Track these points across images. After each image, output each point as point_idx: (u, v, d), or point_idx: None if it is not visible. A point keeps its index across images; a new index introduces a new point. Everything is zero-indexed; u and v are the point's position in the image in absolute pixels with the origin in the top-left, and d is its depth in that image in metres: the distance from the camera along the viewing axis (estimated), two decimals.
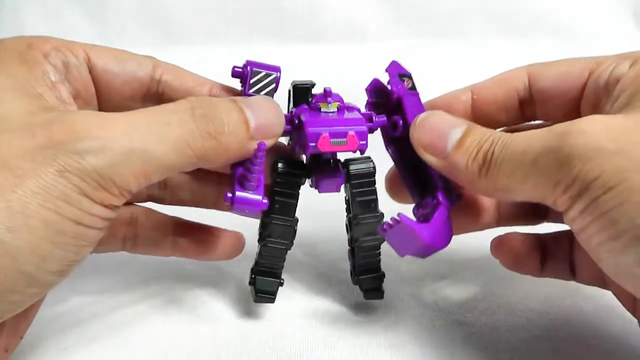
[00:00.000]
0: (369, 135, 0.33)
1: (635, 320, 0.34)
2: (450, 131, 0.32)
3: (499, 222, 0.38)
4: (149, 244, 0.38)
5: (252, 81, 0.33)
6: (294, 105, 0.35)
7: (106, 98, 0.34)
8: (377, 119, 0.35)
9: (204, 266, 0.42)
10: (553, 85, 0.34)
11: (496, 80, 0.37)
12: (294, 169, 0.34)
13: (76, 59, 0.32)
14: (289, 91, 0.35)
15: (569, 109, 0.34)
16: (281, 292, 0.40)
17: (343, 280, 0.41)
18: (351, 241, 0.37)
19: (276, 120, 0.32)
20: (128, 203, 0.35)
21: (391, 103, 0.35)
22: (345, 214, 0.37)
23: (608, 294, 0.35)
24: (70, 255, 0.27)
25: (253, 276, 0.36)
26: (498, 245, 0.37)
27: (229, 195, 0.31)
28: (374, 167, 0.35)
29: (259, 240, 0.36)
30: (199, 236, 0.38)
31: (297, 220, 0.35)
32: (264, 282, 0.36)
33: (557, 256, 0.36)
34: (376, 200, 0.35)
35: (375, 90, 0.36)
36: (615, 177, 0.25)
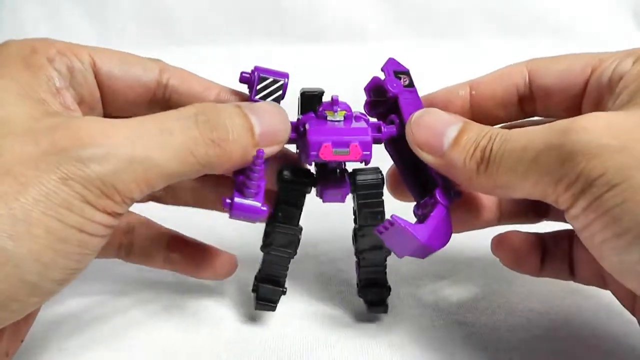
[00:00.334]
0: (378, 145, 0.33)
1: (634, 320, 0.34)
2: (446, 129, 0.32)
3: (500, 220, 0.38)
4: (142, 255, 0.38)
5: (259, 87, 0.33)
6: (302, 113, 0.35)
7: (111, 102, 0.33)
8: (385, 129, 0.34)
9: None
10: (555, 81, 0.34)
11: (495, 76, 0.36)
12: (300, 178, 0.34)
13: (81, 64, 0.32)
14: (298, 98, 0.35)
15: (570, 105, 0.34)
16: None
17: (343, 281, 0.41)
18: (357, 253, 0.36)
19: (281, 127, 0.32)
20: None
21: (389, 102, 0.35)
22: (353, 224, 0.36)
23: (608, 294, 0.35)
24: (73, 264, 0.27)
25: (256, 283, 0.36)
26: (499, 243, 0.37)
27: (228, 201, 0.31)
28: (382, 179, 0.34)
29: (262, 248, 0.35)
30: (192, 253, 0.38)
31: (301, 229, 0.35)
32: (266, 290, 0.36)
33: (556, 255, 0.36)
34: (383, 212, 0.35)
35: (374, 88, 0.36)
36: (619, 175, 0.25)
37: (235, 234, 0.43)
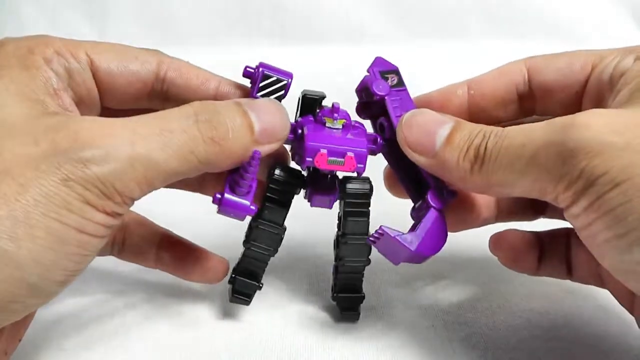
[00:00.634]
0: (374, 157, 0.33)
1: (633, 320, 0.34)
2: (437, 128, 0.31)
3: (497, 218, 0.38)
4: (134, 253, 0.38)
5: (261, 84, 0.33)
6: (301, 115, 0.35)
7: (110, 99, 0.33)
8: (381, 141, 0.35)
9: None
10: (554, 79, 0.34)
11: (494, 74, 0.36)
12: (290, 178, 0.34)
13: (79, 64, 0.31)
14: (299, 99, 0.35)
15: (570, 103, 0.33)
16: (281, 293, 0.40)
17: None
18: (337, 258, 0.37)
19: (281, 125, 0.32)
20: None
21: (379, 103, 0.35)
22: (336, 229, 0.37)
23: (607, 294, 0.35)
24: (73, 265, 0.27)
25: (233, 275, 0.36)
26: (497, 241, 0.37)
27: (218, 196, 0.31)
28: (371, 189, 0.34)
29: (244, 243, 0.35)
30: (183, 255, 0.38)
31: (285, 228, 0.35)
32: (243, 284, 0.36)
33: (553, 254, 0.36)
34: (367, 222, 0.35)
35: (364, 90, 0.36)
36: (623, 173, 0.25)
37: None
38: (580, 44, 0.68)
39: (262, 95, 0.33)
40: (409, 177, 0.36)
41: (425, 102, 0.36)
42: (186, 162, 0.28)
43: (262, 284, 0.37)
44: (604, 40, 0.71)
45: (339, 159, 0.32)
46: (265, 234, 0.35)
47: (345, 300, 0.37)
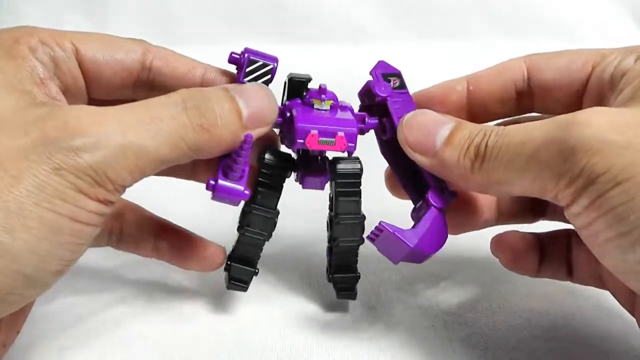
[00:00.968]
0: (363, 136, 0.33)
1: (634, 320, 0.34)
2: (438, 128, 0.31)
3: (497, 220, 0.38)
4: (131, 242, 0.38)
5: (247, 70, 0.33)
6: (288, 98, 0.35)
7: (96, 88, 0.33)
8: (370, 120, 0.35)
9: None
10: (555, 77, 0.34)
11: (493, 71, 0.36)
12: (281, 162, 0.34)
13: (64, 53, 0.31)
14: (285, 82, 0.35)
15: (570, 102, 0.33)
16: (281, 293, 0.40)
17: None
18: (330, 239, 0.37)
19: (269, 109, 0.32)
20: None
21: (381, 106, 0.35)
22: (328, 210, 0.37)
23: (607, 294, 0.35)
24: (68, 254, 0.27)
25: (229, 262, 0.36)
26: (498, 243, 0.37)
27: (212, 182, 0.31)
28: (361, 169, 0.35)
29: (238, 229, 0.36)
30: (180, 243, 0.38)
31: (279, 212, 0.35)
32: (239, 270, 0.36)
33: (554, 256, 0.36)
34: (359, 201, 0.35)
35: (367, 93, 0.36)
36: (624, 172, 0.25)
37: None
38: (581, 43, 0.69)
39: (249, 81, 0.33)
40: (409, 178, 0.36)
41: (425, 97, 0.36)
42: (176, 148, 0.28)
43: (258, 270, 0.37)
44: (604, 40, 0.71)
45: (330, 139, 0.32)
46: (259, 219, 0.35)
47: (341, 280, 0.37)
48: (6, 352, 0.31)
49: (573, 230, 0.36)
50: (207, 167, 0.36)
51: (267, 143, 0.34)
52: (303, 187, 0.35)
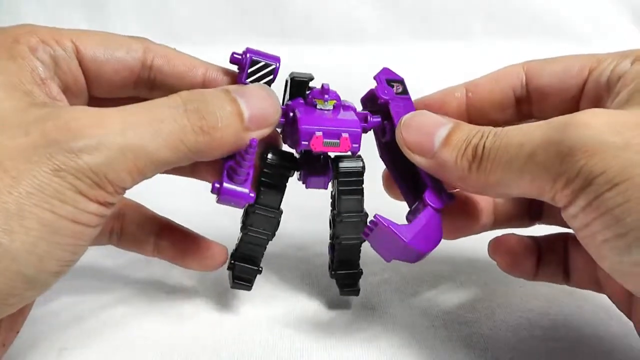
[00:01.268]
0: (364, 135, 0.33)
1: None
2: (436, 129, 0.32)
3: (494, 225, 0.38)
4: (132, 241, 0.38)
5: (249, 70, 0.33)
6: (290, 98, 0.35)
7: (97, 87, 0.33)
8: (372, 118, 0.35)
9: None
10: (552, 82, 0.34)
11: (492, 77, 0.36)
12: (284, 161, 0.34)
13: (64, 52, 0.31)
14: (286, 81, 0.35)
15: (567, 107, 0.33)
16: (281, 293, 0.40)
17: None
18: (333, 237, 0.37)
19: (271, 110, 0.32)
20: None
21: (383, 111, 0.35)
22: (330, 208, 0.37)
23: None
24: (68, 255, 0.27)
25: (233, 261, 0.37)
26: (496, 245, 0.37)
27: (217, 185, 0.31)
28: (363, 167, 0.35)
29: (241, 229, 0.36)
30: (181, 243, 0.38)
31: (282, 212, 0.35)
32: (242, 269, 0.36)
33: (551, 259, 0.36)
34: (362, 199, 0.35)
35: (370, 99, 0.36)
36: (621, 174, 0.25)
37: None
38: (581, 44, 0.69)
39: (251, 81, 0.33)
40: (406, 181, 0.36)
41: (424, 105, 0.36)
42: (177, 151, 0.28)
43: (262, 268, 0.37)
44: (604, 40, 0.71)
45: (335, 140, 0.32)
46: (262, 219, 0.35)
47: (344, 277, 0.37)
48: (5, 351, 0.31)
49: (570, 234, 0.36)
50: (209, 165, 0.36)
51: (269, 142, 0.34)
52: (306, 187, 0.35)
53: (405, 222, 0.33)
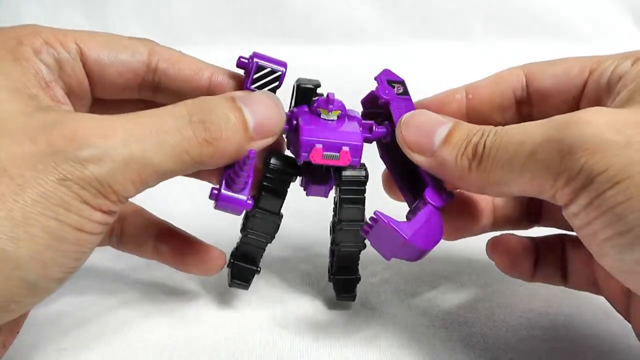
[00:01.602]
0: (369, 144, 0.33)
1: None
2: (436, 128, 0.32)
3: (493, 226, 0.38)
4: (132, 243, 0.38)
5: (255, 76, 0.33)
6: (296, 104, 0.34)
7: (100, 89, 0.33)
8: (377, 129, 0.35)
9: None
10: (552, 84, 0.34)
11: (492, 80, 0.36)
12: (286, 167, 0.34)
13: (68, 54, 0.31)
14: (293, 87, 0.35)
15: (568, 108, 0.33)
16: (281, 293, 0.40)
17: None
18: (333, 242, 0.37)
19: (276, 119, 0.32)
20: None
21: (384, 113, 0.35)
22: (332, 214, 0.37)
23: None
24: (71, 262, 0.27)
25: (232, 260, 0.37)
26: (494, 246, 0.37)
27: (215, 192, 0.31)
28: (366, 176, 0.35)
29: (241, 230, 0.36)
30: (180, 247, 0.38)
31: (282, 216, 0.35)
32: (241, 269, 0.37)
33: (549, 261, 0.36)
34: (363, 209, 0.35)
35: (371, 100, 0.36)
36: (623, 172, 0.25)
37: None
38: (581, 44, 0.69)
39: (257, 87, 0.33)
40: (406, 182, 0.36)
41: (424, 107, 0.36)
42: (181, 162, 0.28)
43: (260, 268, 0.37)
44: (605, 40, 0.71)
45: (334, 154, 0.32)
46: (261, 222, 0.35)
47: (342, 282, 0.38)
48: (6, 351, 0.31)
49: (568, 235, 0.36)
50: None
51: (273, 147, 0.34)
52: (307, 194, 0.35)
53: (405, 220, 0.33)
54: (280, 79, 0.33)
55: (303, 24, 0.71)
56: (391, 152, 0.35)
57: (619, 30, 0.73)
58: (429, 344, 0.35)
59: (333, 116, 0.33)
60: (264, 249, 0.36)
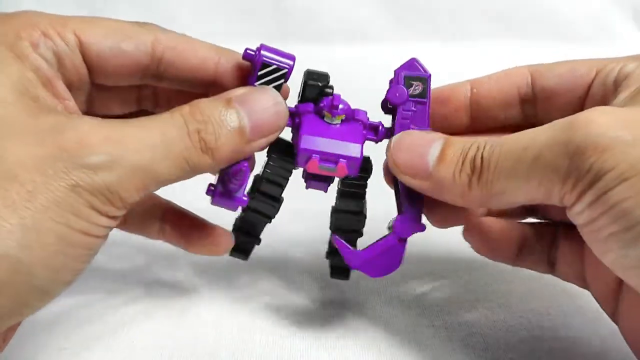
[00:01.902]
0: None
1: None
2: (428, 148, 0.31)
3: (487, 216, 0.37)
4: (137, 224, 0.38)
5: (259, 73, 0.32)
6: (302, 100, 0.34)
7: (101, 78, 0.32)
8: (383, 129, 0.34)
9: (203, 269, 0.42)
10: (558, 83, 0.34)
11: (497, 76, 0.36)
12: (288, 156, 0.34)
13: (67, 47, 0.30)
14: (303, 77, 0.34)
15: (573, 107, 0.33)
16: (280, 292, 0.40)
17: (342, 281, 0.41)
18: (331, 226, 0.37)
19: (275, 119, 0.31)
20: None
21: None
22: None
23: None
24: (79, 265, 0.27)
25: (233, 231, 0.37)
26: (470, 228, 0.36)
27: (212, 189, 0.32)
28: (370, 169, 0.34)
29: (242, 210, 0.36)
30: (186, 227, 0.38)
31: (283, 200, 0.35)
32: (241, 239, 0.37)
33: (536, 247, 0.36)
34: (362, 203, 0.35)
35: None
36: (631, 169, 0.25)
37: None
38: (582, 44, 0.69)
39: (260, 84, 0.32)
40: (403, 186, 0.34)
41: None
42: (181, 170, 0.29)
43: (261, 239, 0.37)
44: (605, 40, 0.71)
45: (331, 166, 0.32)
46: (262, 205, 0.35)
47: (337, 260, 0.37)
48: (5, 345, 0.31)
49: (561, 225, 0.36)
50: None
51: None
52: (307, 187, 0.35)
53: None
54: (285, 76, 0.32)
55: (303, 24, 0.71)
56: None
57: (620, 30, 0.72)
58: (429, 344, 0.35)
59: (337, 120, 0.33)
60: (264, 226, 0.37)
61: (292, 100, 0.35)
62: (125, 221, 0.38)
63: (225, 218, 0.38)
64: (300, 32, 0.71)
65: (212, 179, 0.34)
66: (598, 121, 0.26)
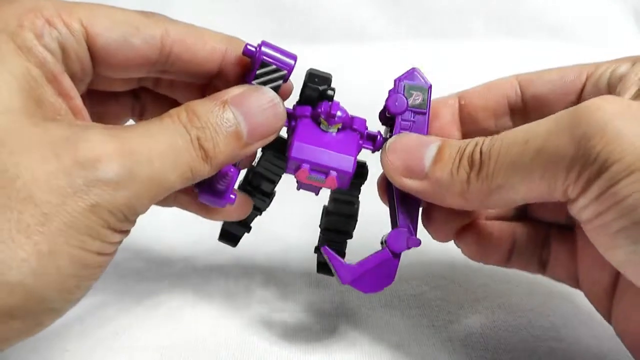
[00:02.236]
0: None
1: None
2: (424, 148, 0.30)
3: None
4: None
5: (258, 72, 0.31)
6: (301, 100, 0.33)
7: (104, 71, 0.31)
8: (381, 138, 0.34)
9: (203, 270, 0.42)
10: (549, 89, 0.33)
11: (485, 86, 0.35)
12: (282, 155, 0.33)
13: (72, 36, 0.29)
14: (304, 84, 0.33)
15: None
16: (280, 292, 0.40)
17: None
18: (321, 225, 0.37)
19: (272, 121, 0.31)
20: None
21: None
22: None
23: None
24: (90, 283, 0.27)
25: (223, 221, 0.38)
26: (465, 230, 0.35)
27: (200, 185, 0.32)
28: (365, 174, 0.34)
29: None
30: None
31: (275, 193, 0.36)
32: (231, 225, 0.37)
33: (527, 248, 0.35)
34: (354, 207, 0.35)
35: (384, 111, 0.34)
36: (639, 160, 0.24)
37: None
38: (581, 44, 0.69)
39: (259, 83, 0.32)
40: (398, 198, 0.33)
41: None
42: (185, 179, 0.29)
43: (251, 228, 0.38)
44: (605, 41, 0.71)
45: (321, 177, 0.31)
46: (255, 200, 0.36)
47: (325, 263, 0.37)
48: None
49: (553, 225, 0.36)
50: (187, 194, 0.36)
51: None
52: (298, 189, 0.34)
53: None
54: (284, 77, 0.32)
55: (303, 24, 0.71)
56: None
57: (619, 30, 0.72)
58: (429, 344, 0.35)
59: (333, 129, 0.32)
60: (256, 215, 0.37)
61: (295, 97, 0.34)
62: None
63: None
64: (300, 32, 0.71)
65: None
66: (605, 108, 0.25)
